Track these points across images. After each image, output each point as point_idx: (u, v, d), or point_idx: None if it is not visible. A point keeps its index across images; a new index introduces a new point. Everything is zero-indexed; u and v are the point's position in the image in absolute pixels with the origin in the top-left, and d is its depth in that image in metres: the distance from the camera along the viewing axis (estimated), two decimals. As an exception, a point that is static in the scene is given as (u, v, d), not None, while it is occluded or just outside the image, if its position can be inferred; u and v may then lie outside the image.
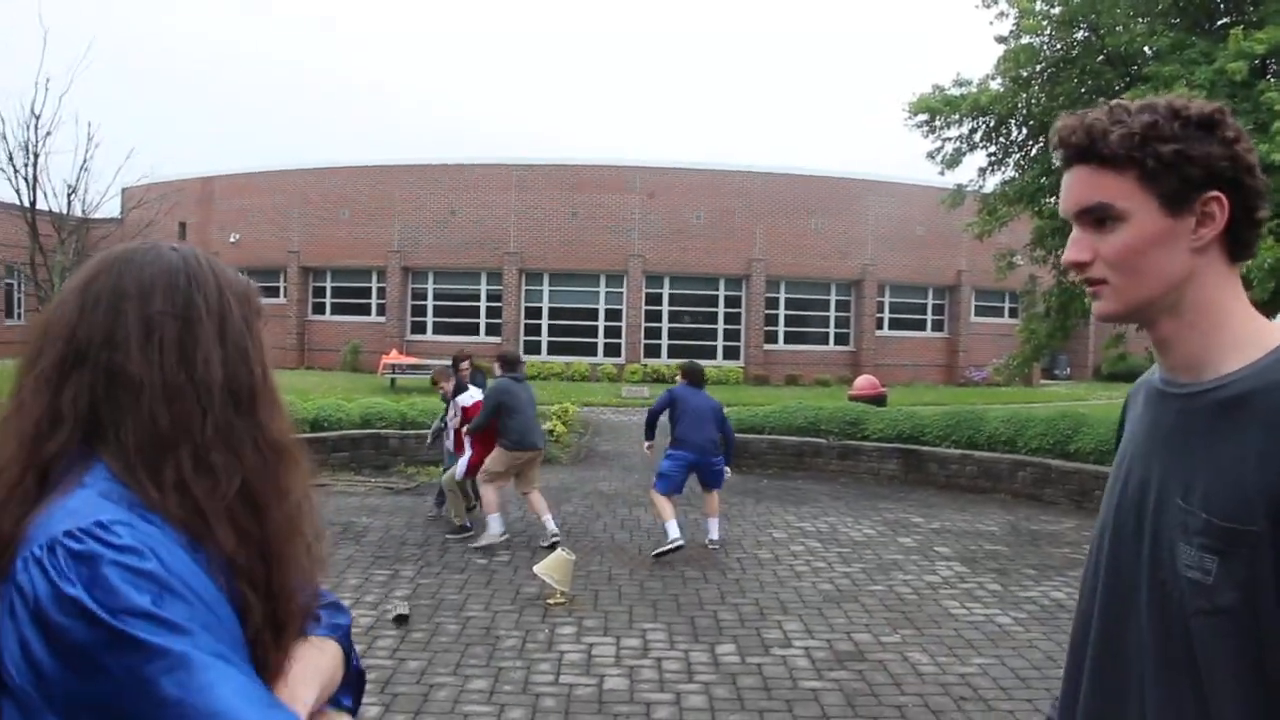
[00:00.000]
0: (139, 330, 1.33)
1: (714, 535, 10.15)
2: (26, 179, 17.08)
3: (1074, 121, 1.51)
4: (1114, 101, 1.53)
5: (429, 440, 12.79)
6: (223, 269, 1.46)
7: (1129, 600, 1.52)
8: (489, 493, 10.01)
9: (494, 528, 9.97)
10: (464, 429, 10.50)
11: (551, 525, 10.07)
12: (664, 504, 9.64)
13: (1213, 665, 1.36)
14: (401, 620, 7.37)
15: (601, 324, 35.10)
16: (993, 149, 16.11)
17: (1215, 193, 1.43)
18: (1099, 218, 1.49)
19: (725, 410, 10.61)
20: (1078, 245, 1.52)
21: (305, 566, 1.42)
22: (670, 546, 9.38)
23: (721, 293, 35.73)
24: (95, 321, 1.34)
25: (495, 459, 10.01)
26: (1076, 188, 1.51)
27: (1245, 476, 1.35)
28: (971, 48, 32.59)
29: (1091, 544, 1.74)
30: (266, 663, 1.33)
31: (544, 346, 35.03)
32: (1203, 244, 1.45)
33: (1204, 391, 1.46)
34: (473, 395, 10.81)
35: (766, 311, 35.38)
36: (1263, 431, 1.35)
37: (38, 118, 16.90)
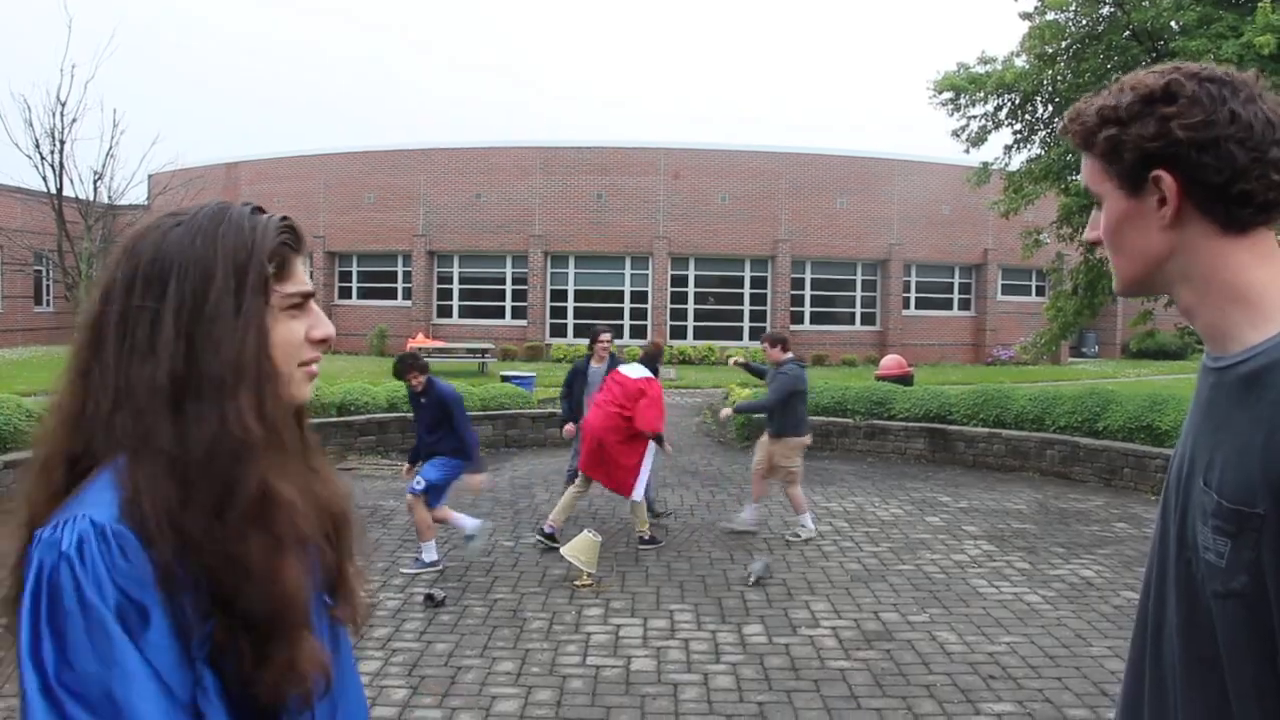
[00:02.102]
0: (117, 327, 1.37)
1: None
2: (53, 166, 17.18)
3: (1072, 108, 1.54)
4: (1126, 76, 1.50)
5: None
6: (229, 228, 1.42)
7: (1166, 579, 1.51)
8: (794, 492, 9.86)
9: (809, 524, 9.85)
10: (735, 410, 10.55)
11: (747, 514, 10.01)
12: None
13: (1232, 648, 1.34)
14: (431, 600, 7.40)
15: (627, 306, 35.07)
16: (1018, 126, 15.98)
17: (1156, 172, 1.41)
18: (1095, 199, 1.52)
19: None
20: (1091, 224, 1.56)
21: (270, 569, 1.34)
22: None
23: (747, 273, 35.62)
24: (102, 315, 1.39)
25: (788, 453, 9.81)
26: (1082, 171, 1.55)
27: (1253, 457, 1.31)
28: (996, 25, 32.40)
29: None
30: (252, 679, 1.31)
31: (570, 329, 35.02)
32: (1167, 222, 1.42)
33: (1230, 366, 1.41)
34: (637, 369, 9.55)
35: (792, 292, 35.27)
36: (1271, 409, 1.31)
37: (63, 105, 17.00)
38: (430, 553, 8.44)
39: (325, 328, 1.51)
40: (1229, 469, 1.35)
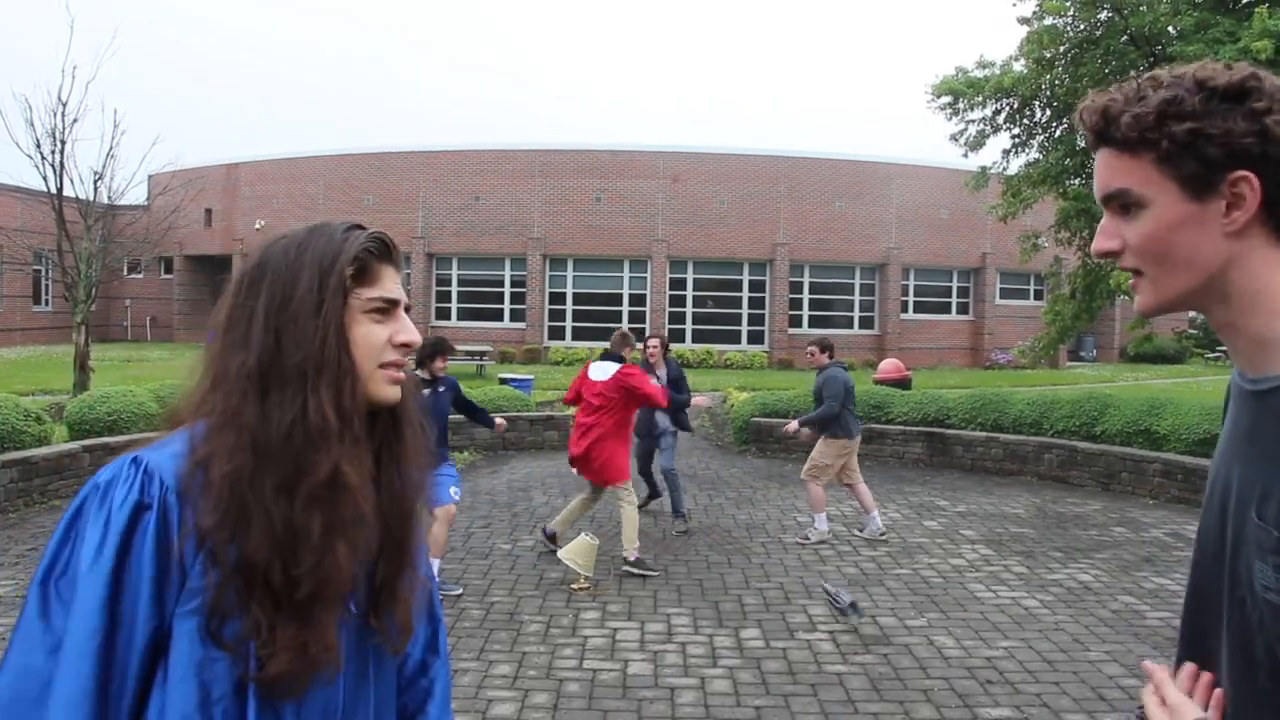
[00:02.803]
0: (227, 322, 1.55)
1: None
2: (54, 166, 17.14)
3: (1093, 102, 1.39)
4: (1147, 75, 1.37)
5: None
6: (320, 239, 1.57)
7: (1213, 612, 1.39)
8: (817, 489, 9.82)
9: (822, 525, 9.84)
10: (800, 423, 10.02)
11: (876, 522, 9.95)
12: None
13: None
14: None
15: (625, 309, 35.08)
16: (1016, 131, 16.00)
17: (1242, 172, 1.27)
18: (1123, 204, 1.36)
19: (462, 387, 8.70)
20: (1105, 233, 1.40)
21: (325, 546, 1.46)
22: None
23: (745, 277, 35.65)
24: (219, 313, 1.58)
25: (827, 451, 9.81)
26: (1100, 172, 1.40)
27: None
28: (995, 29, 32.44)
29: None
30: (259, 650, 1.41)
31: (568, 332, 35.05)
32: (1237, 228, 1.29)
33: (1275, 390, 1.29)
34: (601, 369, 9.06)
35: (791, 296, 35.30)
36: None
37: (64, 105, 16.94)
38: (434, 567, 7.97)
39: (409, 334, 1.60)
40: None
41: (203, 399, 1.51)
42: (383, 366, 1.58)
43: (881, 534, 9.91)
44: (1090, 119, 1.38)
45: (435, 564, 7.90)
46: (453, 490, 7.92)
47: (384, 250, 1.60)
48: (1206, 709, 1.36)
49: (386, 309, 1.58)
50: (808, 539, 9.69)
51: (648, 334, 10.91)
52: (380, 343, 1.57)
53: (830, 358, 10.01)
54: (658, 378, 10.28)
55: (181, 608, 1.40)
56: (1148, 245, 1.35)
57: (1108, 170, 1.38)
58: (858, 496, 10.05)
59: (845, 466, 9.96)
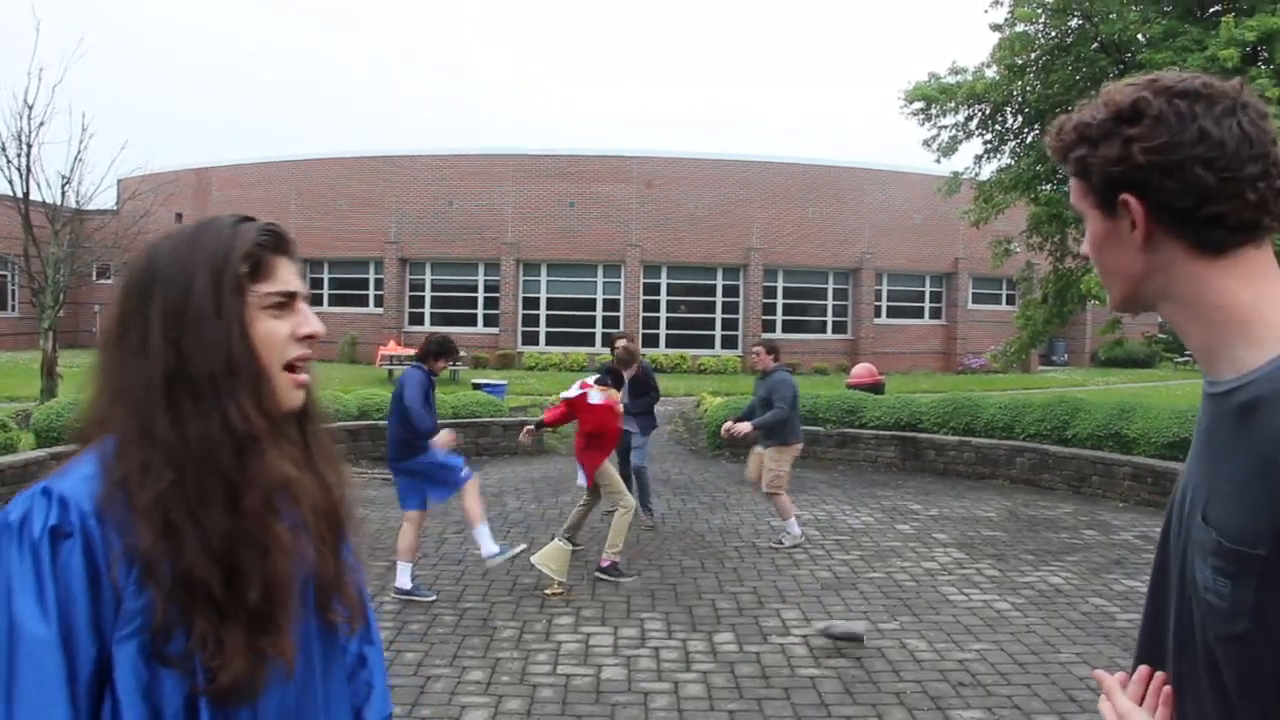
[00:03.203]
0: (117, 331, 1.50)
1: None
2: (20, 170, 16.98)
3: (1056, 122, 1.45)
4: (1104, 90, 1.40)
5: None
6: (209, 236, 1.52)
7: (1165, 612, 1.43)
8: (783, 499, 9.79)
9: (795, 529, 9.84)
10: (754, 426, 9.71)
11: (795, 529, 9.90)
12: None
13: (1240, 692, 1.25)
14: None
15: (599, 314, 35.07)
16: (988, 136, 16.10)
17: (1123, 195, 1.33)
18: (1077, 218, 1.46)
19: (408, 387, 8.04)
20: (1084, 242, 1.50)
21: (273, 553, 1.44)
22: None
23: (719, 282, 35.70)
24: (109, 322, 1.54)
25: (782, 459, 9.76)
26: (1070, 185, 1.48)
27: (1251, 494, 1.22)
28: (967, 36, 32.53)
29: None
30: (207, 663, 1.38)
31: (542, 337, 35.01)
32: (1139, 245, 1.34)
33: (1226, 393, 1.31)
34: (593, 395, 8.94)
35: (764, 300, 35.37)
36: (1271, 446, 1.21)
37: (30, 108, 16.80)
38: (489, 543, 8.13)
39: (312, 325, 1.57)
40: (1228, 506, 1.26)
41: (106, 414, 1.47)
42: (288, 367, 1.54)
43: (801, 538, 9.87)
44: (1049, 139, 1.46)
45: (406, 569, 7.90)
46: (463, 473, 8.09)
47: (277, 241, 1.57)
48: (1156, 711, 1.39)
49: (285, 303, 1.55)
50: (781, 544, 9.71)
51: (617, 334, 10.93)
52: (283, 339, 1.53)
53: (776, 360, 10.02)
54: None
55: (120, 631, 1.36)
56: (1091, 254, 1.45)
57: (1071, 184, 1.46)
58: (780, 505, 9.95)
59: (766, 467, 9.88)
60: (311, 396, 1.61)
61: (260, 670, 1.41)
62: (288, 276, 1.56)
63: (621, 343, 10.63)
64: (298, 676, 1.51)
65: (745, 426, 9.81)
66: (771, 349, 10.11)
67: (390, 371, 26.75)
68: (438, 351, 8.14)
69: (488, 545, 8.15)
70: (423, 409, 7.83)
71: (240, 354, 1.46)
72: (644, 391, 10.47)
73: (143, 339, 1.45)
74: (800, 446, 9.99)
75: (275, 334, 1.52)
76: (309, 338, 1.57)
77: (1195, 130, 1.29)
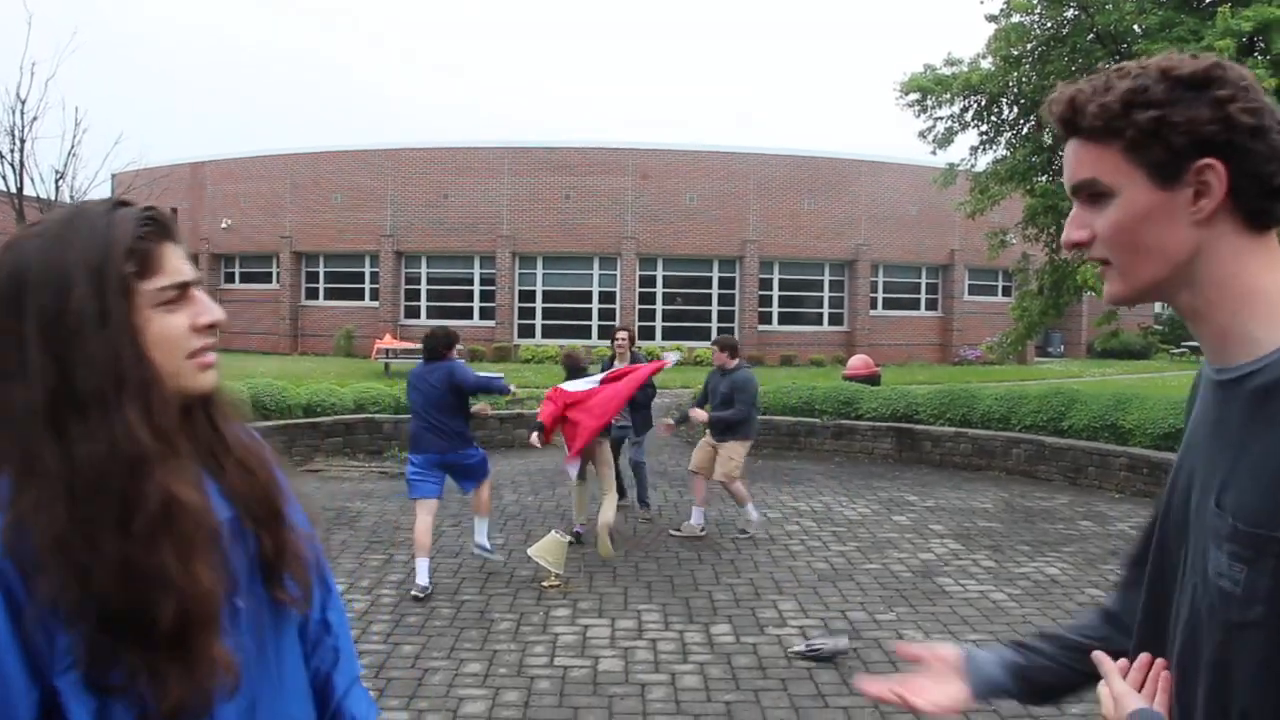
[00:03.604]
0: None
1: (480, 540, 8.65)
2: (13, 165, 16.99)
3: (1060, 93, 1.40)
4: (1113, 66, 1.37)
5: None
6: (81, 232, 1.37)
7: (1167, 598, 1.43)
8: (739, 486, 9.90)
9: (754, 514, 9.98)
10: (713, 419, 9.93)
11: (752, 514, 10.05)
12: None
13: (1255, 681, 1.24)
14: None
15: (595, 306, 35.04)
16: (984, 128, 16.07)
17: (1208, 160, 1.27)
18: (1092, 194, 1.36)
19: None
20: (1074, 223, 1.40)
21: (183, 574, 1.33)
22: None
23: (715, 274, 35.68)
24: None
25: (738, 451, 9.85)
26: (1069, 163, 1.40)
27: (1272, 477, 1.22)
28: (963, 27, 32.58)
29: (1148, 523, 1.57)
30: (145, 691, 1.31)
31: (538, 330, 34.98)
32: (1204, 215, 1.29)
33: (1241, 378, 1.30)
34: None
35: (760, 292, 35.35)
36: None
37: (24, 103, 16.80)
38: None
39: (211, 313, 1.46)
40: (1246, 490, 1.25)
41: None
42: (191, 356, 1.44)
43: (702, 530, 9.94)
44: (1058, 109, 1.39)
45: (423, 564, 7.89)
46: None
47: (161, 228, 1.43)
48: (1155, 697, 1.39)
49: (181, 294, 1.43)
50: (747, 531, 9.83)
51: (617, 326, 11.02)
52: (181, 333, 1.42)
53: (734, 358, 10.05)
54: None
55: (59, 667, 1.28)
56: (1117, 234, 1.35)
57: (1076, 160, 1.38)
58: (699, 491, 10.10)
59: (718, 463, 9.97)
60: (218, 382, 1.52)
61: (202, 690, 1.34)
62: (177, 264, 1.44)
63: (623, 334, 10.86)
64: (250, 664, 1.45)
65: (702, 414, 10.02)
66: (727, 346, 10.13)
67: (387, 365, 26.73)
68: (448, 344, 8.30)
69: (483, 537, 8.36)
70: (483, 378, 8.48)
71: (129, 364, 1.35)
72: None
73: (19, 358, 1.31)
74: (749, 443, 10.04)
75: (173, 330, 1.41)
76: (210, 327, 1.46)
77: (1271, 101, 1.29)
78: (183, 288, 1.43)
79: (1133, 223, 1.33)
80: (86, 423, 1.32)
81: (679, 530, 9.90)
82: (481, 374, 8.58)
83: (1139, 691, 1.41)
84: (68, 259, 1.34)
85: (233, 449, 1.54)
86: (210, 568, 1.37)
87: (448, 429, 8.08)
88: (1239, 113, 1.26)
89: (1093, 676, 1.60)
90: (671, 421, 10.94)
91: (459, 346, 8.51)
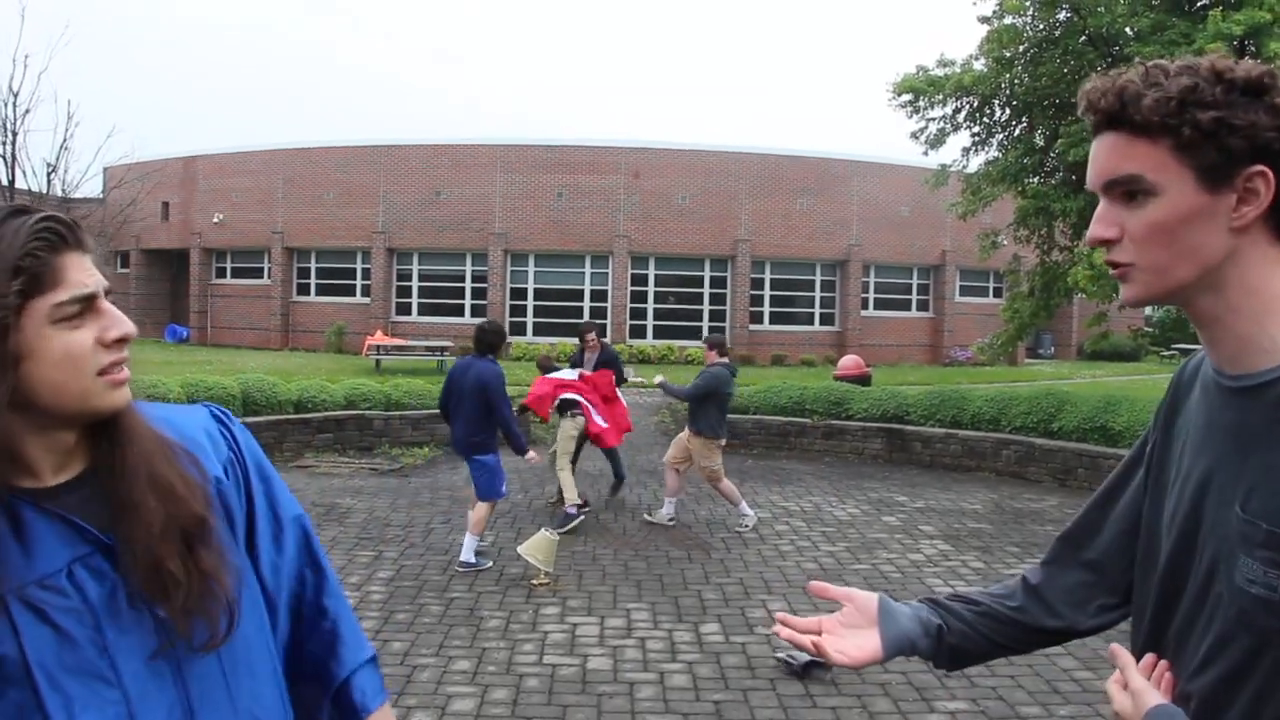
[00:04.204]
0: None
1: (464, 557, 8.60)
2: (5, 157, 16.97)
3: (1105, 84, 1.35)
4: (1152, 61, 1.34)
5: None
6: None
7: (1176, 604, 1.42)
8: (727, 485, 10.17)
9: (748, 511, 10.20)
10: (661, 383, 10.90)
11: (670, 509, 10.30)
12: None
13: None
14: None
15: (587, 305, 34.99)
16: (976, 129, 16.09)
17: (1260, 166, 1.25)
18: (1129, 191, 1.33)
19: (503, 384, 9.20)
20: (1104, 220, 1.36)
21: None
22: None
23: (707, 273, 35.65)
24: None
25: (706, 453, 10.09)
26: (1106, 157, 1.35)
27: None
28: (955, 28, 32.64)
29: (1145, 528, 1.55)
30: None
31: (529, 328, 34.95)
32: (1244, 222, 1.27)
33: (1262, 386, 1.29)
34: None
35: (752, 292, 35.33)
36: None
37: (16, 95, 16.79)
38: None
39: (119, 327, 1.35)
40: (1277, 495, 1.23)
41: None
42: (102, 373, 1.34)
43: (670, 520, 10.12)
44: (1105, 100, 1.34)
45: (472, 541, 8.48)
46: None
47: (59, 237, 1.31)
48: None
49: (85, 308, 1.32)
50: (742, 528, 9.98)
51: (584, 325, 11.75)
52: (86, 350, 1.32)
53: (719, 356, 10.39)
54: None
55: None
56: (1153, 234, 1.32)
57: (1117, 155, 1.34)
58: (671, 482, 10.39)
59: (696, 461, 10.18)
60: (129, 398, 1.40)
61: None
62: (79, 276, 1.32)
63: (591, 335, 11.59)
64: (150, 691, 1.39)
65: (660, 378, 10.95)
66: (714, 345, 10.52)
67: (378, 362, 26.68)
68: (500, 340, 9.27)
69: (469, 554, 8.49)
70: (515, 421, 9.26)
71: None
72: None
73: None
74: (715, 442, 10.18)
75: (76, 348, 1.31)
76: (120, 341, 1.36)
77: None
78: (86, 301, 1.32)
79: (1173, 224, 1.30)
80: None
81: (651, 516, 10.24)
82: (516, 426, 9.47)
83: None
84: None
85: (132, 473, 1.41)
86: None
87: (473, 429, 8.97)
88: None
89: (1006, 647, 1.67)
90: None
91: (449, 344, 8.98)
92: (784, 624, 1.69)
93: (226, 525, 1.54)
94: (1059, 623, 1.68)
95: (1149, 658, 1.44)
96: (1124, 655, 1.46)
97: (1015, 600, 1.72)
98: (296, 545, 1.69)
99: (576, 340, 11.81)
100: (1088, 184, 1.40)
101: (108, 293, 1.36)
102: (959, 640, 1.71)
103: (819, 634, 1.68)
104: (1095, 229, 1.38)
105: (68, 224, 1.33)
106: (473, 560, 8.43)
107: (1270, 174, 1.25)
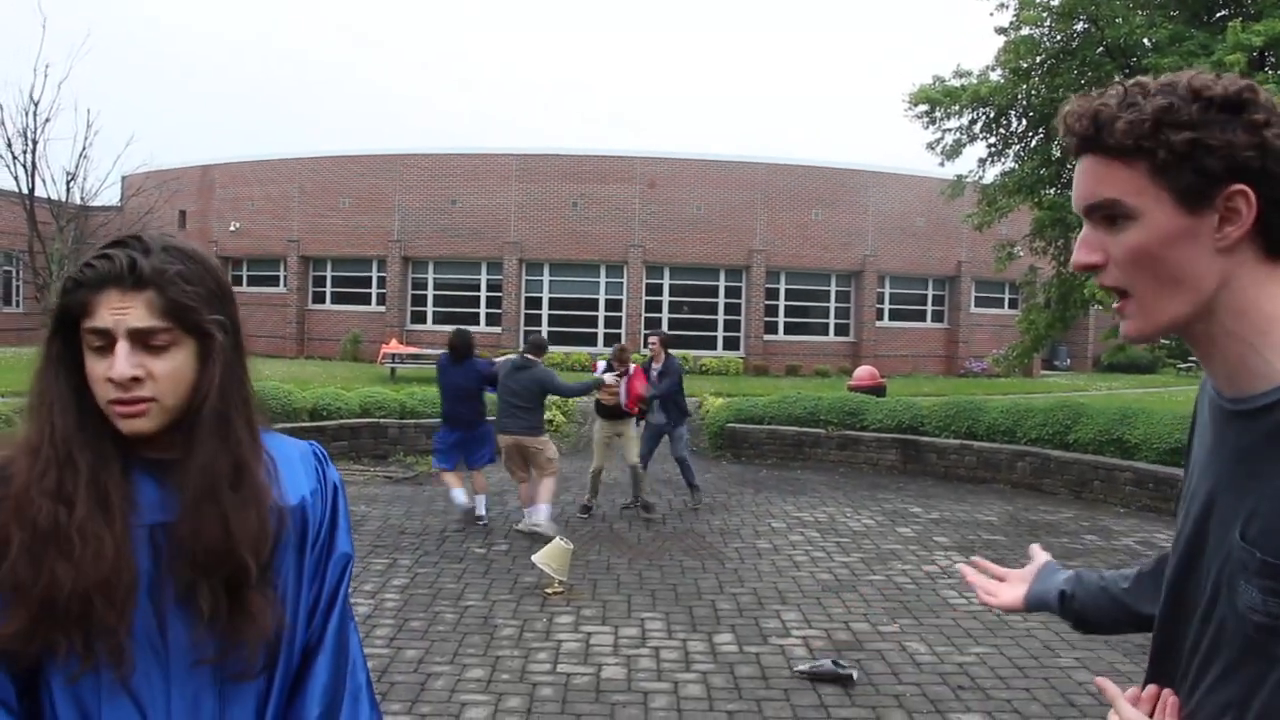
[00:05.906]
0: None
1: (480, 511, 10.51)
2: (25, 166, 17.06)
3: (1081, 106, 1.32)
4: (1132, 80, 1.31)
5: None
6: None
7: (1182, 630, 1.40)
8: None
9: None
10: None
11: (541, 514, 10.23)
12: (447, 477, 10.56)
13: None
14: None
15: (602, 314, 35.01)
16: (992, 140, 16.07)
17: (1239, 186, 1.22)
18: (1110, 215, 1.30)
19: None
20: (1087, 245, 1.34)
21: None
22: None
23: (722, 283, 35.63)
24: None
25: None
26: (1084, 181, 1.33)
27: None
28: (972, 39, 32.59)
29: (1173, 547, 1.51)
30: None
31: (544, 337, 34.93)
32: (1229, 243, 1.24)
33: (1262, 410, 1.26)
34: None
35: (767, 302, 35.28)
36: None
37: (36, 104, 16.88)
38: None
39: (115, 370, 1.46)
40: (1273, 524, 1.21)
41: None
42: (110, 403, 1.48)
43: (535, 527, 10.02)
44: (1079, 124, 1.32)
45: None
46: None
47: (96, 275, 1.47)
48: None
49: (103, 342, 1.47)
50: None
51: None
52: (99, 379, 1.48)
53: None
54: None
55: None
56: (1136, 259, 1.29)
57: (1095, 178, 1.31)
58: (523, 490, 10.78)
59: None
60: (145, 428, 1.51)
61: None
62: (104, 313, 1.46)
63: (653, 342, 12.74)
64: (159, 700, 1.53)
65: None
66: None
67: (393, 370, 26.73)
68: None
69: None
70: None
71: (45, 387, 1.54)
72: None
73: None
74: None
75: (94, 373, 1.48)
76: (110, 382, 1.46)
77: None
78: (102, 335, 1.47)
79: (1155, 247, 1.27)
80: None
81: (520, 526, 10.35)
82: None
83: (1150, 718, 1.40)
84: None
85: (192, 490, 1.53)
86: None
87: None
88: (1275, 138, 1.23)
89: (1120, 622, 1.85)
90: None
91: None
92: (974, 565, 2.14)
93: (297, 548, 1.68)
94: (1154, 610, 1.66)
95: (1152, 688, 1.43)
96: (1110, 689, 1.45)
97: (1128, 583, 1.82)
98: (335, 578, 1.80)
99: (643, 347, 12.93)
100: (1073, 207, 1.37)
101: (141, 333, 1.47)
102: (1080, 607, 1.90)
103: (1002, 580, 2.07)
104: (1079, 254, 1.35)
105: (109, 262, 1.47)
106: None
107: (1251, 193, 1.23)
